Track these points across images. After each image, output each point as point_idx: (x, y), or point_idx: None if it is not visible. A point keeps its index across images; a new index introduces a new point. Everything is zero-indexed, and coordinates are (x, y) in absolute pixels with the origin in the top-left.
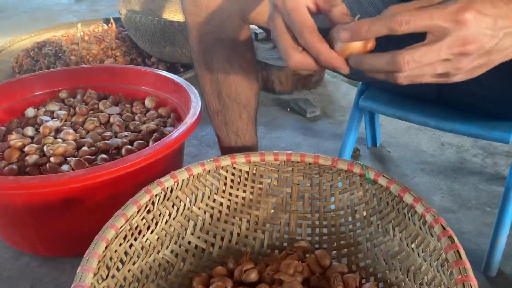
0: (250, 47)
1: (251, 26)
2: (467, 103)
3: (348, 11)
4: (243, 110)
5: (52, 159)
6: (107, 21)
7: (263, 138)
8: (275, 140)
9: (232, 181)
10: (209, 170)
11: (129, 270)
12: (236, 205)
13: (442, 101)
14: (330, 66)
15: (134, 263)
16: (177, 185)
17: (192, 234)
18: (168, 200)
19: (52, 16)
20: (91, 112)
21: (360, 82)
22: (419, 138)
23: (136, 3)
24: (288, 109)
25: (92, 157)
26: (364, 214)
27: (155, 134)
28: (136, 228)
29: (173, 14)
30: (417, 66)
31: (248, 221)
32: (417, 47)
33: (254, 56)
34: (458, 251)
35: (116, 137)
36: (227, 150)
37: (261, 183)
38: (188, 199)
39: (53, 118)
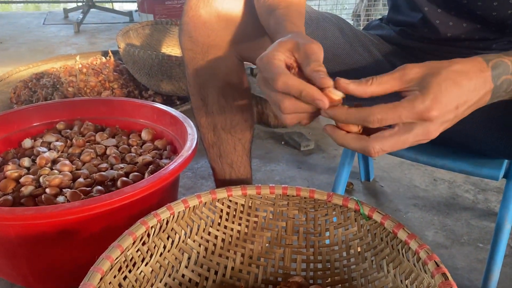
0: (244, 81)
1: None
2: (456, 141)
3: (323, 67)
4: (238, 142)
5: (47, 190)
6: (105, 54)
7: (258, 171)
8: (270, 173)
9: (227, 214)
10: (205, 203)
11: None
12: (231, 239)
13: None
14: (311, 96)
15: None
16: (173, 217)
17: (186, 267)
18: (163, 232)
19: (50, 48)
20: (88, 143)
21: None
22: (412, 173)
23: (135, 37)
24: (283, 143)
25: (88, 188)
26: (359, 249)
27: (151, 166)
28: (131, 260)
29: (171, 49)
30: (385, 152)
31: (242, 255)
32: (386, 138)
33: (248, 90)
34: None
35: (112, 168)
36: (222, 182)
37: (256, 216)
38: (183, 232)
39: (49, 149)
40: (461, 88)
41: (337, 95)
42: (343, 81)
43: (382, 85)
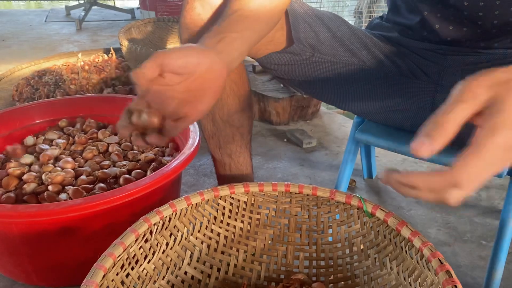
0: (242, 73)
1: (248, 58)
2: (459, 138)
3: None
4: (236, 131)
5: (50, 187)
6: (107, 51)
7: (260, 168)
8: (272, 170)
9: (230, 211)
10: (208, 200)
11: None
12: (234, 236)
13: None
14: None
15: None
16: (176, 214)
17: (189, 264)
18: (166, 229)
19: (52, 46)
20: (90, 141)
21: (355, 115)
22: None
23: (137, 34)
24: (285, 140)
25: (90, 186)
26: (362, 247)
27: (153, 164)
28: (133, 257)
29: (173, 45)
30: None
31: (245, 252)
32: (467, 162)
33: (246, 80)
34: (455, 286)
35: (114, 166)
36: (222, 173)
37: (259, 213)
38: (185, 229)
39: (52, 146)
40: None
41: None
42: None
43: (453, 114)
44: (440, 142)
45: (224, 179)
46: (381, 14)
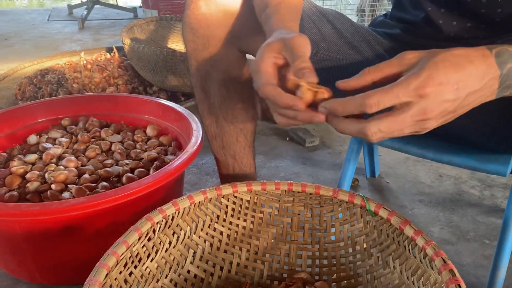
0: (245, 73)
1: (250, 56)
2: (462, 137)
3: (307, 62)
4: (240, 133)
5: (53, 186)
6: (110, 50)
7: (263, 167)
8: (274, 169)
9: (233, 209)
10: (211, 199)
11: None
12: (236, 234)
13: (438, 134)
14: (288, 105)
15: None
16: (178, 213)
17: (192, 263)
18: (168, 228)
19: (55, 44)
20: (93, 139)
21: None
22: (417, 169)
23: (139, 33)
24: (287, 139)
25: (93, 184)
26: (365, 246)
27: (156, 163)
28: (136, 256)
29: (175, 44)
30: (384, 135)
31: (248, 251)
32: (383, 118)
33: (250, 81)
34: (459, 285)
35: (117, 165)
36: (225, 174)
37: (261, 212)
38: (188, 228)
39: (55, 145)
40: (460, 69)
41: (324, 94)
42: (341, 82)
43: (380, 70)
44: (356, 84)
45: (227, 179)
46: (383, 13)
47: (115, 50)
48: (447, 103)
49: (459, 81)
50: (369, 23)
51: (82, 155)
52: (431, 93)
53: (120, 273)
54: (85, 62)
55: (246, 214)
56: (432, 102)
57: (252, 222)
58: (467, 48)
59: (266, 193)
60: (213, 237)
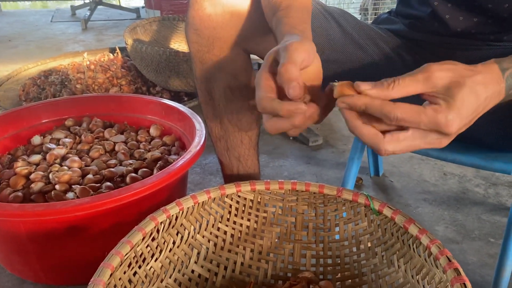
0: (250, 74)
1: (254, 56)
2: (466, 135)
3: (290, 66)
4: (245, 135)
5: (57, 186)
6: (113, 50)
7: (266, 166)
8: (278, 168)
9: (236, 209)
10: (214, 198)
11: None
12: (240, 234)
13: None
14: (290, 112)
15: None
16: (182, 212)
17: (196, 262)
18: (172, 228)
19: (58, 45)
20: (97, 140)
21: None
22: (421, 168)
23: (142, 34)
24: (291, 138)
25: (97, 185)
26: (369, 245)
27: (159, 162)
28: (140, 255)
29: (178, 45)
30: (395, 153)
31: (252, 250)
32: (400, 141)
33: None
34: (464, 284)
35: (121, 165)
36: (229, 176)
37: (265, 211)
38: (192, 227)
39: (59, 145)
40: (479, 99)
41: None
42: (364, 86)
43: (405, 88)
44: (376, 94)
45: (231, 181)
46: (387, 11)
47: (118, 50)
48: (460, 131)
49: (476, 111)
50: (372, 21)
51: (86, 155)
52: (454, 132)
53: (125, 273)
54: (88, 62)
55: (250, 214)
56: (451, 138)
57: (256, 222)
58: (485, 71)
59: (270, 193)
60: (217, 236)
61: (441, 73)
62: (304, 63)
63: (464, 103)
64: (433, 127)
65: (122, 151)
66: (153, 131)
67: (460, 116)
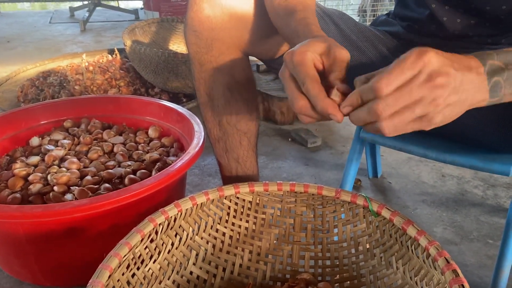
0: (249, 76)
1: (253, 58)
2: (465, 136)
3: (344, 76)
4: (244, 136)
5: (55, 188)
6: (111, 51)
7: (265, 168)
8: (277, 170)
9: (235, 211)
10: (213, 200)
11: None
12: (239, 236)
13: (441, 134)
14: (325, 112)
15: None
16: (181, 214)
17: (194, 264)
18: (171, 229)
19: (57, 47)
20: (95, 141)
21: None
22: (420, 169)
23: (141, 35)
24: (290, 139)
25: (96, 186)
26: (367, 246)
27: (158, 164)
28: (139, 257)
29: (177, 46)
30: (394, 110)
31: (250, 252)
32: (391, 94)
33: (253, 84)
34: (462, 285)
35: (119, 166)
36: (228, 177)
37: (264, 213)
38: (191, 229)
39: (57, 147)
40: (450, 55)
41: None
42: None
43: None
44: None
45: (230, 181)
46: (385, 13)
47: (116, 52)
48: (451, 71)
49: (452, 60)
50: (370, 23)
51: (84, 156)
52: (433, 57)
53: (123, 274)
54: (87, 64)
55: (248, 215)
56: (436, 66)
57: (255, 223)
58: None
59: (269, 194)
60: (215, 238)
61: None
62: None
63: (428, 49)
64: (414, 65)
65: (121, 152)
66: (151, 132)
67: (430, 51)
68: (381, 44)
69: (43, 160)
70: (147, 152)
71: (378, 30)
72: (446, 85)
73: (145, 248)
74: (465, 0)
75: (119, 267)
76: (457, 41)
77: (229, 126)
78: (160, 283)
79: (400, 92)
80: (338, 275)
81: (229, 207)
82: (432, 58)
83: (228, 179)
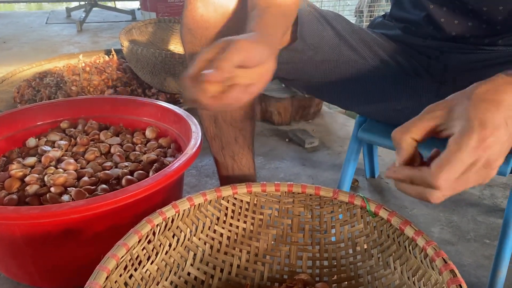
0: None
1: None
2: None
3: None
4: (239, 134)
5: (52, 189)
6: (108, 52)
7: (262, 168)
8: (274, 170)
9: (233, 211)
10: (210, 200)
11: None
12: (237, 236)
13: None
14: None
15: None
16: (178, 215)
17: (192, 265)
18: (169, 230)
19: (53, 47)
20: (92, 142)
21: (358, 114)
22: None
23: (138, 35)
24: (287, 140)
25: (92, 187)
26: (365, 246)
27: (155, 165)
28: (136, 258)
29: (174, 46)
30: (449, 195)
31: (248, 253)
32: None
33: None
34: (460, 285)
35: (116, 167)
36: (225, 175)
37: (261, 214)
38: (188, 230)
39: (54, 148)
40: (500, 105)
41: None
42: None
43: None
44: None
45: (227, 180)
46: (382, 14)
47: (113, 52)
48: (506, 142)
49: (506, 117)
50: (367, 24)
51: (81, 157)
52: (493, 142)
53: (120, 276)
54: (83, 64)
55: (246, 216)
56: (494, 150)
57: (252, 224)
58: (487, 81)
59: (266, 195)
60: (213, 239)
61: (438, 106)
62: (244, 63)
63: (482, 112)
64: (475, 153)
65: (118, 153)
66: (148, 133)
67: (488, 125)
68: (378, 46)
69: (39, 161)
70: (144, 153)
71: (374, 33)
72: (500, 159)
73: (142, 249)
74: (462, 1)
75: (116, 268)
76: (455, 42)
77: (225, 124)
78: (158, 284)
79: (457, 182)
80: (335, 276)
81: (226, 208)
82: (494, 145)
83: (225, 177)
